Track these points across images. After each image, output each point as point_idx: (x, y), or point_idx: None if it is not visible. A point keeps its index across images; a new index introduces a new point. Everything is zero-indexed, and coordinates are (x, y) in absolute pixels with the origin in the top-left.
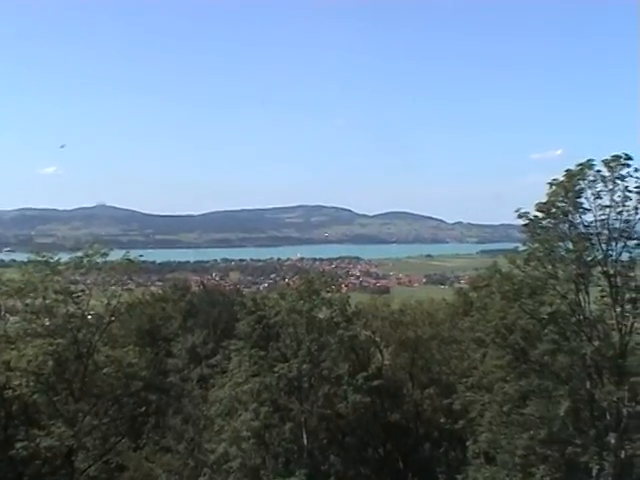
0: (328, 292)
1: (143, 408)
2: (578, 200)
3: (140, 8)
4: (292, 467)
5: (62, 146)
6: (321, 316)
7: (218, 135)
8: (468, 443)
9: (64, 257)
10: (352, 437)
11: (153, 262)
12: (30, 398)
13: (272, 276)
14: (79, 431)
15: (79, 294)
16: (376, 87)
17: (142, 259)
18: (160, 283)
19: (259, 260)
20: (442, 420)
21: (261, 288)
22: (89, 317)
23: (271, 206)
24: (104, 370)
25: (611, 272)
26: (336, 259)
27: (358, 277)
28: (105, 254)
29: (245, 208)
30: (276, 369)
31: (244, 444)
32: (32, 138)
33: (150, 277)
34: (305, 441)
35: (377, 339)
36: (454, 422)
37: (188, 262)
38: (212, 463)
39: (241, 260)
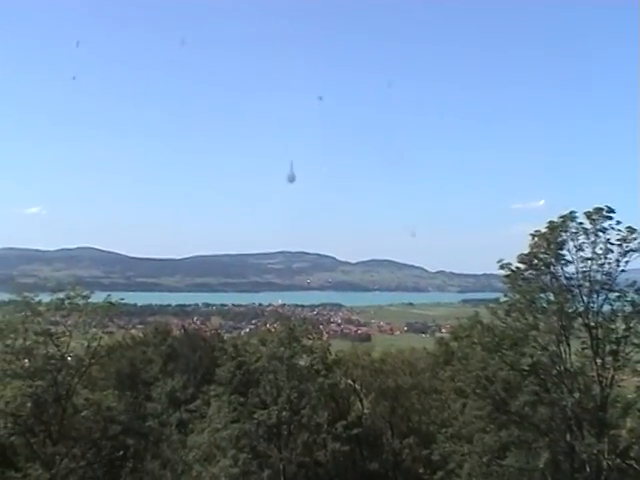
0: (309, 339)
1: (121, 452)
2: (560, 252)
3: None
4: None
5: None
6: (302, 363)
7: (202, 179)
8: None
9: (45, 298)
10: None
11: (134, 305)
12: (7, 440)
13: (253, 321)
14: (56, 474)
15: (59, 336)
16: (357, 134)
17: (123, 302)
18: (141, 326)
19: (240, 305)
20: (421, 470)
21: (242, 333)
22: (69, 359)
23: (253, 252)
24: (83, 413)
25: (592, 324)
26: (318, 306)
27: (339, 324)
28: (86, 296)
29: (227, 253)
30: (255, 415)
31: None
32: (16, 177)
33: (131, 320)
34: None
35: (357, 387)
36: (433, 472)
37: (169, 305)
38: None
39: (222, 305)
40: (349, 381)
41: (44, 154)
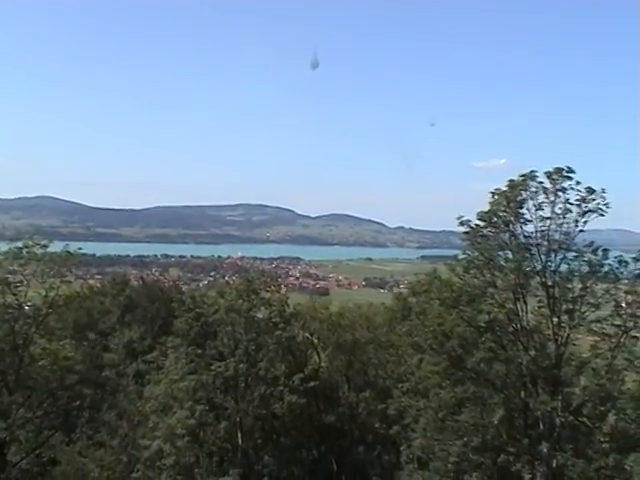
0: (267, 292)
1: (77, 402)
2: (520, 211)
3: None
4: (226, 466)
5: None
6: (259, 316)
7: (164, 132)
8: (402, 448)
9: (3, 247)
10: (287, 438)
11: (93, 255)
12: None
13: (212, 274)
14: (12, 424)
15: (17, 285)
16: (325, 90)
17: (82, 252)
18: (99, 277)
19: (199, 257)
20: (377, 424)
21: (200, 285)
22: (26, 308)
23: (213, 203)
24: (39, 363)
25: (549, 283)
26: (276, 259)
27: (298, 278)
28: (45, 245)
29: (187, 204)
30: (213, 367)
31: (178, 442)
32: None
33: (89, 270)
34: (240, 440)
35: (315, 341)
36: (389, 426)
37: (128, 256)
38: (145, 459)
39: (181, 256)
40: (307, 334)
41: (2, 103)
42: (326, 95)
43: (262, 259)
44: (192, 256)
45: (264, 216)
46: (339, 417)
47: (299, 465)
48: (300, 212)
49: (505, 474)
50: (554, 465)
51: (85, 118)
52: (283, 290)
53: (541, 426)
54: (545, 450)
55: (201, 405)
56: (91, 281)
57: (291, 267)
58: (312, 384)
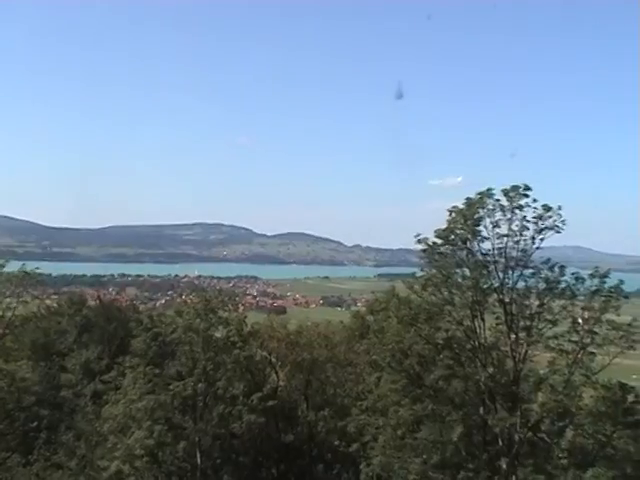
0: (225, 311)
1: (35, 423)
2: (477, 228)
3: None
4: None
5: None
6: (217, 335)
7: (119, 149)
8: (361, 466)
9: None
10: (246, 457)
11: (49, 275)
12: None
13: (169, 293)
14: None
15: None
16: (279, 107)
17: (39, 271)
18: (56, 296)
19: (156, 276)
20: (336, 442)
21: (158, 305)
22: None
23: (170, 222)
24: None
25: (507, 300)
26: (234, 278)
27: (255, 297)
28: (1, 265)
29: (144, 223)
30: (171, 387)
31: (137, 462)
32: None
33: (46, 290)
34: (199, 460)
35: (273, 360)
36: (348, 444)
37: (85, 276)
38: None
39: (138, 276)
40: (265, 353)
41: None
42: (278, 112)
43: (219, 278)
44: (149, 275)
45: (221, 235)
46: (298, 436)
47: None
48: (257, 231)
49: None
50: None
51: (41, 136)
52: (241, 309)
53: (500, 442)
54: (504, 466)
55: (159, 425)
56: (48, 301)
57: (249, 286)
58: (271, 403)
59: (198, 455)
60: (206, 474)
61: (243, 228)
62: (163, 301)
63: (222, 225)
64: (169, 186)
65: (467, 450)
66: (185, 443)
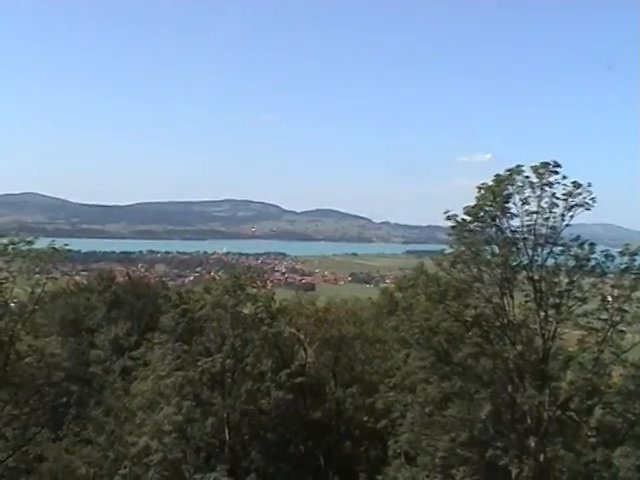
0: (253, 288)
1: (64, 399)
2: (506, 205)
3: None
4: (213, 462)
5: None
6: (246, 312)
7: (149, 128)
8: (389, 443)
9: None
10: (274, 434)
11: (78, 251)
12: None
13: (198, 269)
14: None
15: (2, 282)
16: (307, 85)
17: (68, 248)
18: (85, 273)
19: (185, 253)
20: (364, 419)
21: (186, 281)
22: (12, 305)
23: (198, 199)
24: (26, 359)
25: (536, 277)
26: (262, 255)
27: (284, 273)
28: (30, 242)
29: (172, 200)
30: (199, 363)
31: (165, 438)
32: None
33: (75, 266)
34: (227, 436)
35: (301, 336)
36: (376, 421)
37: (114, 252)
38: (133, 456)
39: (167, 252)
40: (293, 330)
41: None
42: (307, 90)
43: (248, 255)
44: (178, 252)
45: (250, 212)
46: (326, 412)
47: (286, 461)
48: (285, 207)
49: (493, 469)
50: (542, 459)
51: (70, 116)
52: (269, 286)
53: (528, 420)
54: (533, 444)
55: (188, 401)
56: (77, 277)
57: (277, 262)
58: (299, 380)
59: (226, 431)
60: (234, 450)
61: (272, 205)
62: (192, 278)
63: (251, 202)
64: (198, 163)
65: (495, 428)
66: (213, 419)
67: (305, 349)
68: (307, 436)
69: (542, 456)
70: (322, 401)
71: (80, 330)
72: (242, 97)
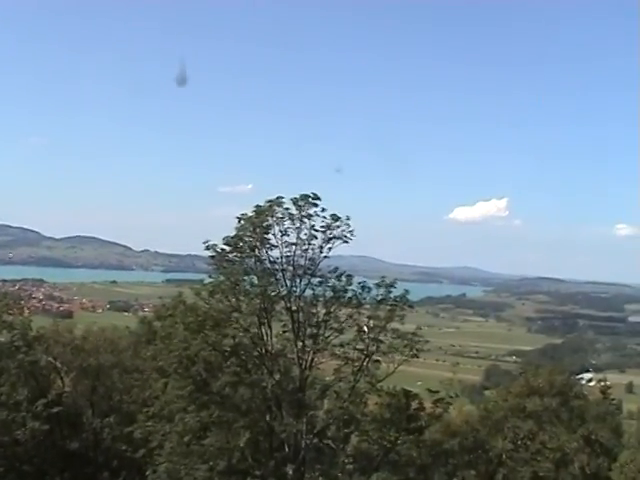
0: (10, 315)
1: None
2: (265, 236)
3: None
4: None
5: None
6: (1, 339)
7: None
8: (147, 473)
9: None
10: (30, 465)
11: None
12: None
13: None
14: None
15: None
16: (66, 108)
17: None
18: None
19: None
20: (122, 448)
21: None
22: None
23: None
24: None
25: (294, 308)
26: (19, 281)
27: (41, 300)
28: None
29: None
30: None
31: None
32: None
33: None
34: None
35: (58, 365)
36: (134, 451)
37: None
38: None
39: None
40: (50, 358)
41: None
42: (77, 114)
43: (5, 281)
44: None
45: (7, 237)
46: (83, 442)
47: None
48: (45, 233)
49: None
50: None
51: None
52: (26, 313)
53: (287, 449)
54: (291, 472)
55: None
56: None
57: (34, 289)
58: (55, 410)
59: None
60: None
61: (31, 230)
62: None
63: (9, 226)
64: None
65: (254, 457)
66: None
67: (62, 378)
68: (64, 467)
69: None
70: (79, 431)
71: None
72: (8, 118)
